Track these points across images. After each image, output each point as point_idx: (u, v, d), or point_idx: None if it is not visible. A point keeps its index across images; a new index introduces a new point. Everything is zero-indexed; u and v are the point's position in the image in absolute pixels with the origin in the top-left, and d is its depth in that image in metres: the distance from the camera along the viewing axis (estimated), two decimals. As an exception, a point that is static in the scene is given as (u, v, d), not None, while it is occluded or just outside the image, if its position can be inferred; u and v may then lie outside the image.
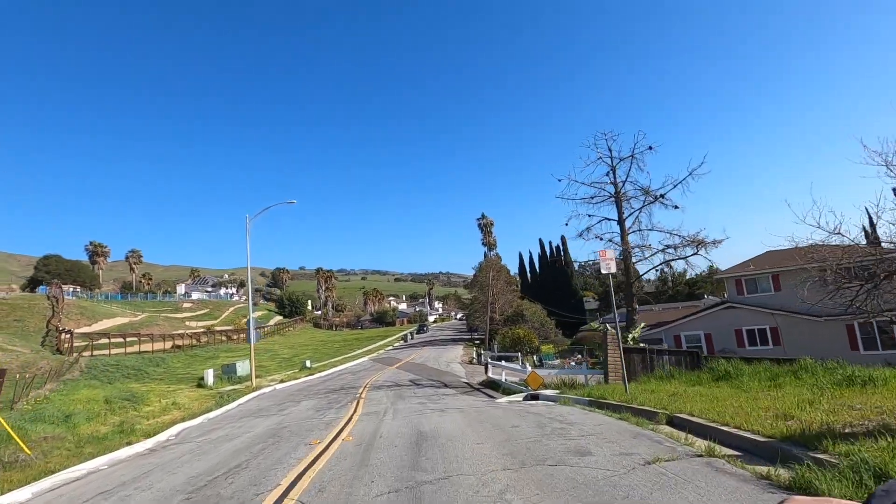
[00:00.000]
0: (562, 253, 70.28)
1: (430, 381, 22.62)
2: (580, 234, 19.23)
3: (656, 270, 17.22)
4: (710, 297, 54.04)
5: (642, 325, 17.83)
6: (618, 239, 19.34)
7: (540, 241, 71.08)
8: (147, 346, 54.59)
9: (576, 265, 67.35)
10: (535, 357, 34.14)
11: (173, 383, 31.20)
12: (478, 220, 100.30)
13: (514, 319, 51.28)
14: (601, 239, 19.04)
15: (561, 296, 65.82)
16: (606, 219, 18.96)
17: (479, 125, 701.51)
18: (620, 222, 18.37)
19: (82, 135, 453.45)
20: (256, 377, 33.29)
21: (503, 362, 27.83)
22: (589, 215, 18.87)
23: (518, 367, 19.04)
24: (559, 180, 18.41)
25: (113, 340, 51.59)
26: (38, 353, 42.15)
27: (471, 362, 34.64)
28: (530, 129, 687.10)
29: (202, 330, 78.79)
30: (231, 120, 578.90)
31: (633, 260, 18.25)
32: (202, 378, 29.30)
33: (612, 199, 18.70)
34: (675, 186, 17.32)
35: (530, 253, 75.99)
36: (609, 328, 16.76)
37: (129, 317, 79.82)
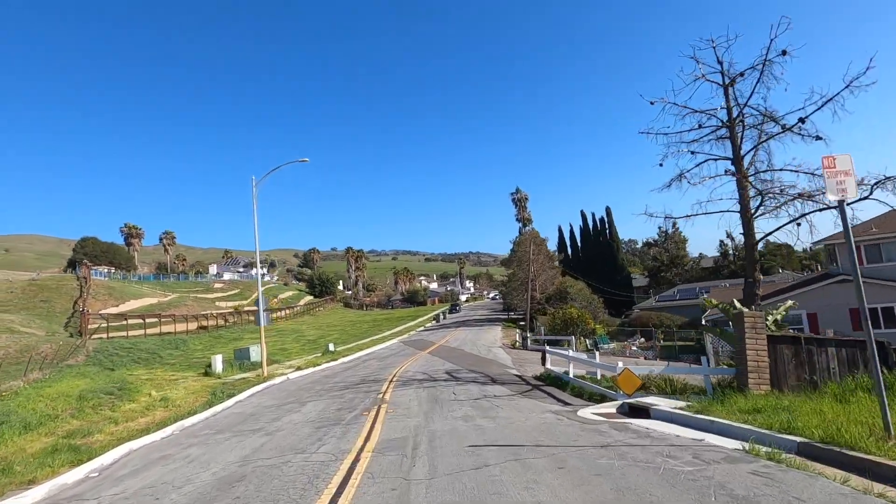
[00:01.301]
0: (606, 225, 64.37)
1: (472, 372, 18.18)
2: (670, 184, 14.04)
3: (785, 231, 11.76)
4: (785, 271, 47.52)
5: (790, 303, 12.64)
6: (728, 188, 14.06)
7: (582, 213, 65.32)
8: (171, 328, 52.44)
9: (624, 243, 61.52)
10: (587, 341, 29.30)
11: (182, 370, 27.95)
12: (512, 194, 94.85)
13: (557, 298, 46.34)
14: (701, 184, 13.89)
15: (606, 272, 60.18)
16: (712, 158, 13.79)
17: (510, 94, 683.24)
18: (736, 160, 13.21)
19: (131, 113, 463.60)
20: (274, 362, 29.77)
21: (555, 348, 23.22)
22: (692, 152, 13.69)
23: (583, 355, 14.39)
24: (651, 103, 13.24)
25: (135, 322, 49.53)
26: (52, 336, 40.19)
27: (513, 346, 30.12)
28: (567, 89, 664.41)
29: (230, 310, 77.07)
30: (258, 98, 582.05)
31: (755, 213, 13.04)
32: (210, 365, 25.82)
33: (722, 130, 13.50)
34: (821, 107, 11.97)
35: (571, 227, 70.31)
36: (738, 305, 11.78)
37: (159, 297, 78.76)
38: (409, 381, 16.29)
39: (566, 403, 11.14)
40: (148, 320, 50.89)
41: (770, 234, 13.51)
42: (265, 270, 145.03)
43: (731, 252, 55.49)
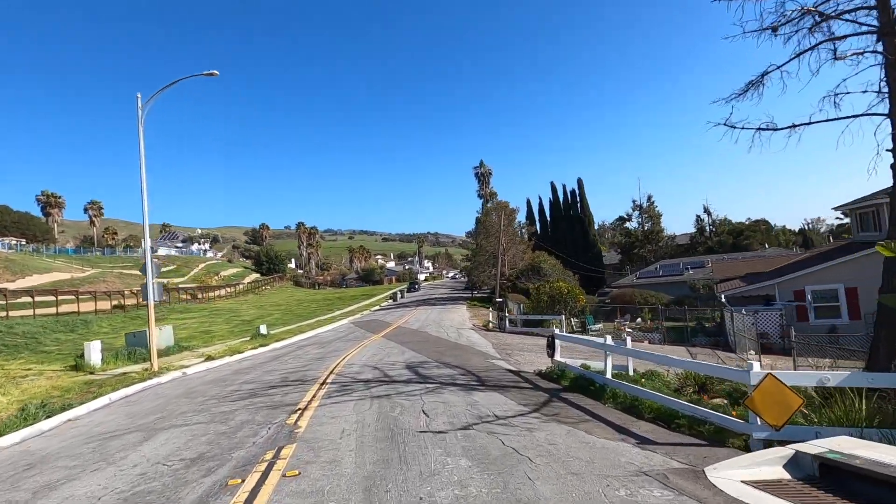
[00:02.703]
0: (578, 198, 60.15)
1: (445, 366, 12.68)
2: (798, 55, 8.66)
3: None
4: (769, 247, 44.62)
5: None
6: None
7: (552, 185, 60.69)
8: (76, 307, 44.05)
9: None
10: (573, 321, 24.40)
11: (52, 361, 21.05)
12: (475, 168, 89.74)
13: (530, 273, 41.59)
14: (816, 75, 8.74)
15: (577, 248, 56.11)
16: (853, 32, 8.51)
17: (479, 65, 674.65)
18: (887, 28, 8.10)
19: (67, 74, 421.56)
20: (184, 349, 23.32)
21: (539, 329, 18.17)
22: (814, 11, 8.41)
23: (611, 342, 9.00)
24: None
25: (37, 300, 40.89)
26: None
27: (487, 328, 24.91)
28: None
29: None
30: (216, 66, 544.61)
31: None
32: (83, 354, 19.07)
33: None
34: None
35: (540, 200, 65.66)
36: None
37: (74, 272, 68.78)
38: (350, 384, 10.57)
39: (644, 441, 5.78)
40: (42, 298, 42.32)
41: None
42: (207, 246, 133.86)
43: (707, 227, 52.58)
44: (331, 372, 12.54)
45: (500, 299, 25.20)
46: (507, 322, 22.75)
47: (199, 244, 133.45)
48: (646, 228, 54.85)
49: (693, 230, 53.91)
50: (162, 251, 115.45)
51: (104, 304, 47.68)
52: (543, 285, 24.29)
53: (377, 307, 49.25)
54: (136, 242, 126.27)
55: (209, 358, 19.38)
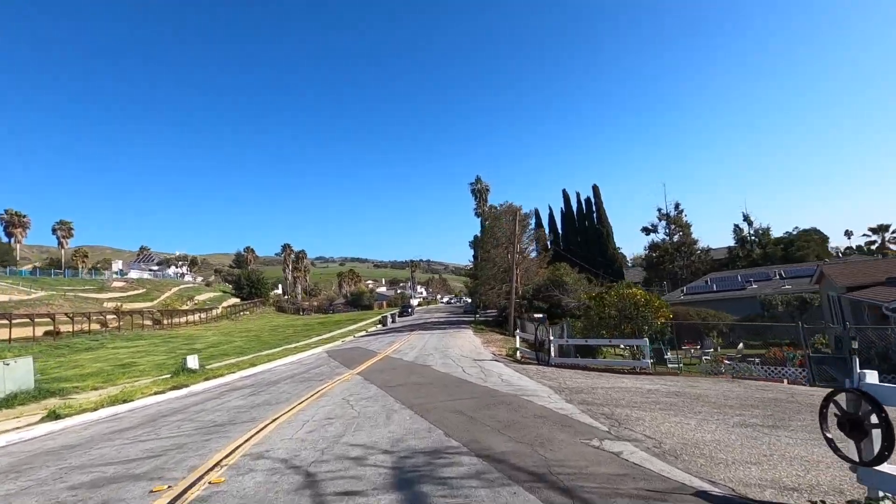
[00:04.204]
0: (594, 207, 52.82)
1: (499, 470, 4.65)
2: None
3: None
4: (828, 260, 37.14)
5: None
6: None
7: (564, 193, 53.42)
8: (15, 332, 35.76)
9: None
10: (642, 347, 16.30)
11: None
12: (471, 184, 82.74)
13: (548, 290, 33.70)
14: None
15: (594, 264, 48.44)
16: None
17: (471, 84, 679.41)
18: None
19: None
20: (62, 392, 15.14)
21: (599, 360, 10.39)
22: None
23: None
24: None
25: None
26: None
27: (514, 357, 16.86)
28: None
29: (111, 311, 59.23)
30: (199, 91, 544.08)
31: None
32: None
33: None
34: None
35: (550, 210, 58.32)
36: None
37: (16, 294, 59.97)
38: None
39: None
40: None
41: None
42: (185, 269, 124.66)
43: (749, 237, 45.08)
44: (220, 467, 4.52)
45: (541, 315, 16.75)
46: (554, 349, 14.68)
47: (177, 267, 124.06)
48: (674, 240, 47.49)
49: (727, 243, 46.48)
50: (133, 274, 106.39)
51: (25, 331, 39.02)
52: (606, 294, 16.28)
53: (363, 332, 40.86)
54: (108, 266, 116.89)
55: (55, 417, 11.14)
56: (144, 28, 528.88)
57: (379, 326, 47.13)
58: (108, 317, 58.68)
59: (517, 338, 18.85)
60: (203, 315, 77.37)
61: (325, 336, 39.21)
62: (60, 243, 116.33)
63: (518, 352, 17.94)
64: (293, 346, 31.89)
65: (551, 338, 14.76)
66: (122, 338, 45.90)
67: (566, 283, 33.39)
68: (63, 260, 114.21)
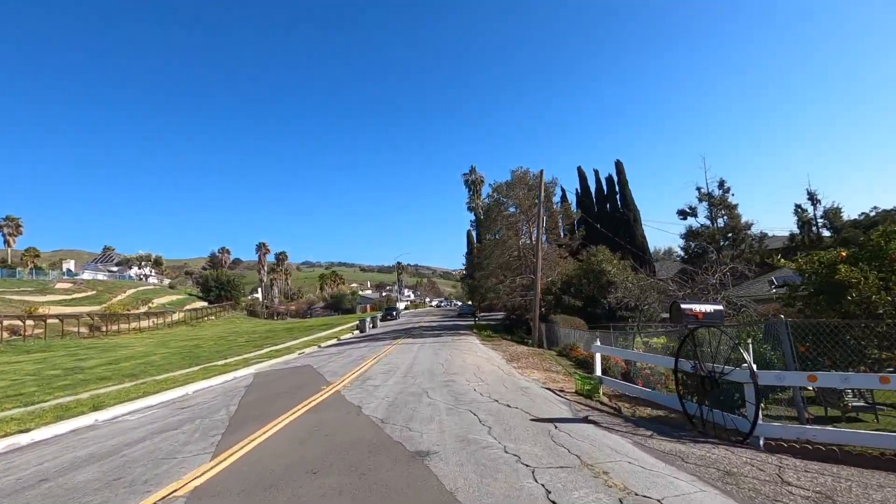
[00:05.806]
0: (617, 186, 43.69)
1: None
2: None
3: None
4: None
5: None
6: None
7: (579, 171, 44.26)
8: None
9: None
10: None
11: None
12: (465, 175, 74.31)
13: (581, 282, 24.39)
14: None
15: (619, 249, 39.41)
16: None
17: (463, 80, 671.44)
18: None
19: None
20: None
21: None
22: None
23: None
24: None
25: None
26: None
27: (601, 400, 7.44)
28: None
29: (29, 316, 48.57)
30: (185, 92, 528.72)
31: None
32: None
33: None
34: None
35: (563, 192, 49.07)
36: None
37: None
38: None
39: None
40: None
41: None
42: (149, 270, 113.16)
43: (816, 220, 36.13)
44: None
45: (720, 306, 7.11)
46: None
47: (140, 268, 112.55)
48: (718, 225, 38.72)
49: (773, 228, 38.19)
50: (87, 275, 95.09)
51: None
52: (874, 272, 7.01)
53: (333, 341, 31.00)
54: (57, 266, 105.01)
55: None
56: (127, 29, 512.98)
57: (356, 333, 37.31)
58: (27, 322, 47.91)
59: (572, 356, 9.25)
60: (157, 320, 66.77)
61: (279, 346, 29.35)
62: (7, 241, 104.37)
63: (597, 386, 8.44)
64: (222, 362, 21.99)
65: (749, 356, 5.23)
66: (35, 348, 35.55)
67: (608, 272, 24.09)
68: (9, 259, 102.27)
